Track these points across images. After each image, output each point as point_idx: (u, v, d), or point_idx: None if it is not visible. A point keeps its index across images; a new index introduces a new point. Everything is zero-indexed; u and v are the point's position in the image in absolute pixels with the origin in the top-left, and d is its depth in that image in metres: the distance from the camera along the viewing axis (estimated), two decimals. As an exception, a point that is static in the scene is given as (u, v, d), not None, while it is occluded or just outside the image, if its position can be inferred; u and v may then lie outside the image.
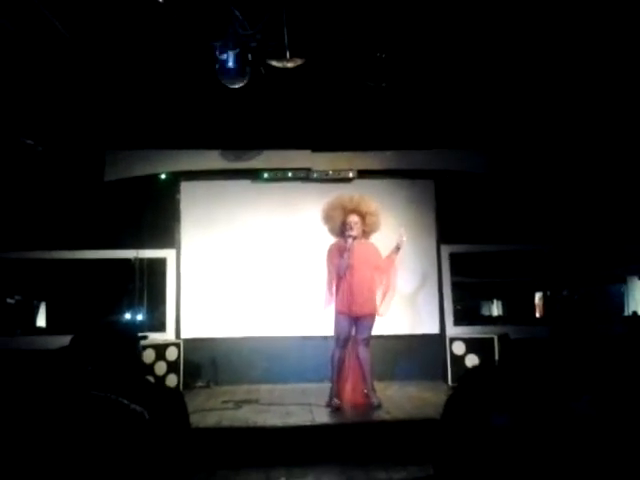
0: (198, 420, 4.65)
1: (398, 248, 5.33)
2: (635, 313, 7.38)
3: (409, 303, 6.67)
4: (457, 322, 6.89)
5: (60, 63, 5.10)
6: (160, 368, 5.96)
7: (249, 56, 4.72)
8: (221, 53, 4.66)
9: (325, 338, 5.75)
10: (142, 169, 6.68)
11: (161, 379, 5.89)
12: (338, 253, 5.28)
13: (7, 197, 6.38)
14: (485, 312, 9.28)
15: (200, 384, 6.42)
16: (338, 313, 5.27)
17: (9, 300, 7.30)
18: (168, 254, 6.80)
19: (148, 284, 6.68)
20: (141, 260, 6.60)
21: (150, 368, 5.79)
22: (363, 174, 6.80)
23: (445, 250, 6.94)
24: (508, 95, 5.83)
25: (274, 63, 4.86)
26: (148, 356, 5.80)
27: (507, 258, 7.14)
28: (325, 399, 5.32)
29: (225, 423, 4.74)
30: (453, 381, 6.31)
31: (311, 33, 4.71)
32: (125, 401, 1.34)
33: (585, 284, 7.33)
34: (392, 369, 6.56)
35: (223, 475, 4.08)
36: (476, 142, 6.71)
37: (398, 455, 4.25)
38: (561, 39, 4.86)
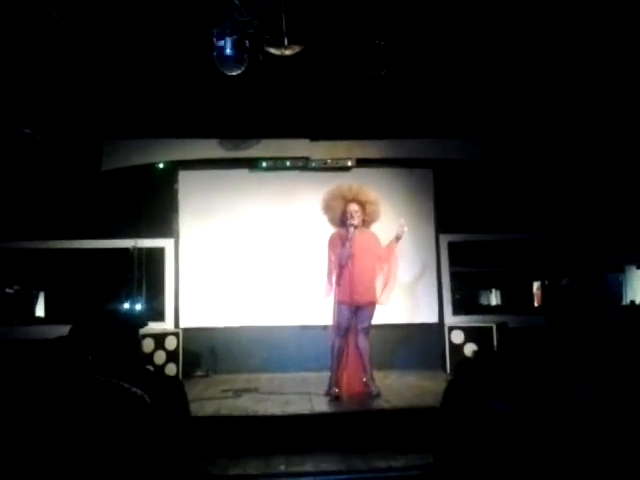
0: (197, 409, 4.66)
1: (398, 238, 5.33)
2: (633, 302, 7.40)
3: (408, 292, 6.68)
4: (456, 311, 6.92)
5: (57, 52, 5.06)
6: (159, 357, 5.97)
7: (247, 43, 4.68)
8: (218, 40, 4.62)
9: (324, 327, 5.76)
10: (140, 158, 6.66)
11: (160, 368, 5.90)
12: (339, 242, 5.28)
13: (5, 187, 6.36)
14: (484, 301, 9.30)
15: (199, 373, 6.44)
16: (339, 302, 5.27)
17: (8, 290, 7.30)
18: (166, 243, 6.79)
19: (146, 274, 6.68)
20: (139, 250, 6.59)
21: (149, 357, 5.81)
22: (361, 163, 6.79)
23: (444, 239, 6.95)
24: (506, 83, 5.80)
25: (272, 50, 4.82)
26: (147, 345, 5.81)
27: (505, 247, 7.15)
28: (324, 388, 5.33)
29: (224, 412, 4.75)
30: (452, 370, 6.33)
31: (309, 20, 4.67)
32: (126, 385, 1.34)
33: (583, 273, 7.33)
34: (391, 358, 6.58)
35: (222, 463, 4.10)
36: (474, 131, 6.70)
37: (397, 443, 4.27)
38: (559, 28, 4.83)
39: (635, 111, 5.82)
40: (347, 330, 5.32)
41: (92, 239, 6.61)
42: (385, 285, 5.40)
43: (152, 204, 6.66)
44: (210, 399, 5.19)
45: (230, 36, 4.58)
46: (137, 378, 1.67)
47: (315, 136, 6.71)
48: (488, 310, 8.25)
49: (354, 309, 5.27)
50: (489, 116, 6.44)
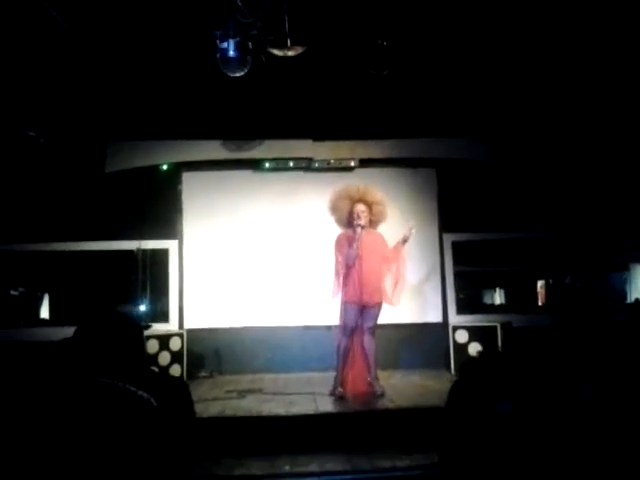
0: (202, 410, 4.68)
1: (405, 240, 5.34)
2: (637, 300, 7.37)
3: (412, 292, 6.66)
4: (460, 311, 6.91)
5: (61, 55, 5.07)
6: (164, 358, 5.98)
7: (250, 45, 4.69)
8: (222, 42, 4.63)
9: (328, 327, 5.76)
10: (143, 160, 6.67)
11: (165, 369, 5.92)
12: (346, 243, 5.29)
13: (10, 189, 6.39)
14: (487, 300, 9.27)
15: (204, 374, 6.45)
16: (346, 302, 5.28)
17: (12, 292, 7.31)
18: (170, 245, 6.81)
19: (151, 275, 6.69)
20: (144, 251, 6.60)
21: (154, 358, 5.82)
22: (365, 163, 6.79)
23: (447, 239, 6.95)
24: (510, 83, 5.79)
25: (275, 51, 4.83)
26: (152, 346, 5.83)
27: (509, 246, 7.13)
28: (328, 388, 5.34)
29: (229, 412, 4.76)
30: (456, 369, 6.32)
31: (312, 21, 4.67)
32: (132, 388, 1.34)
33: (587, 272, 7.31)
34: (395, 358, 6.58)
35: (227, 464, 4.11)
36: (478, 130, 6.69)
37: (402, 443, 4.27)
38: (563, 27, 4.82)
39: (637, 111, 5.80)
40: (354, 330, 5.33)
41: (96, 241, 6.63)
42: (395, 286, 5.42)
43: (156, 205, 6.67)
44: (215, 400, 5.20)
45: (233, 38, 4.58)
46: (142, 380, 1.68)
47: (318, 136, 6.72)
48: (492, 309, 8.22)
49: (361, 309, 5.27)
50: (492, 115, 6.43)
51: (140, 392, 1.34)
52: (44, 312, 7.69)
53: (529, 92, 5.92)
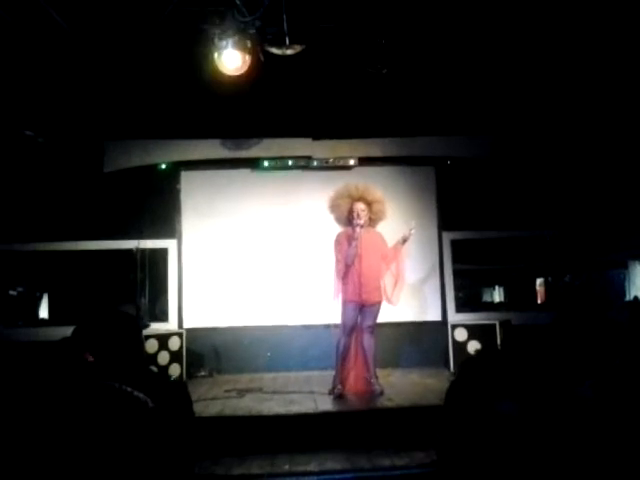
0: (202, 409, 4.67)
1: (405, 240, 5.34)
2: (636, 298, 7.38)
3: (411, 290, 6.66)
4: (459, 309, 6.91)
5: (59, 54, 5.06)
6: (163, 358, 5.98)
7: (248, 43, 4.68)
8: (220, 40, 4.62)
9: (327, 326, 5.76)
10: (142, 159, 6.67)
11: (164, 369, 5.91)
12: (346, 242, 5.28)
13: (8, 189, 6.38)
14: (487, 298, 9.28)
15: (203, 373, 6.45)
16: (346, 301, 5.28)
17: (11, 292, 7.31)
18: (169, 244, 6.80)
19: (150, 274, 6.69)
20: (142, 250, 6.59)
21: (153, 358, 5.82)
22: (364, 161, 6.78)
23: (446, 237, 6.95)
24: (508, 81, 5.79)
25: (273, 50, 4.82)
26: (151, 346, 5.82)
27: (508, 244, 7.14)
28: (328, 387, 5.34)
29: (228, 412, 4.76)
30: (455, 367, 6.33)
31: (310, 20, 4.67)
32: (129, 389, 1.34)
33: (586, 270, 7.32)
34: (395, 356, 6.58)
35: (227, 463, 4.11)
36: (477, 128, 6.69)
37: (401, 441, 4.28)
38: (564, 25, 4.82)
39: (637, 109, 5.80)
40: (353, 329, 5.34)
41: (95, 240, 6.63)
42: (395, 285, 5.42)
43: (154, 205, 6.67)
44: (214, 399, 5.20)
45: (232, 36, 4.58)
46: (140, 380, 1.68)
47: (317, 135, 6.71)
48: (491, 307, 8.24)
49: (360, 308, 5.28)
50: (491, 114, 6.43)
51: (136, 393, 1.33)
52: (43, 312, 7.69)
53: (527, 90, 5.91)
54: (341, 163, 6.74)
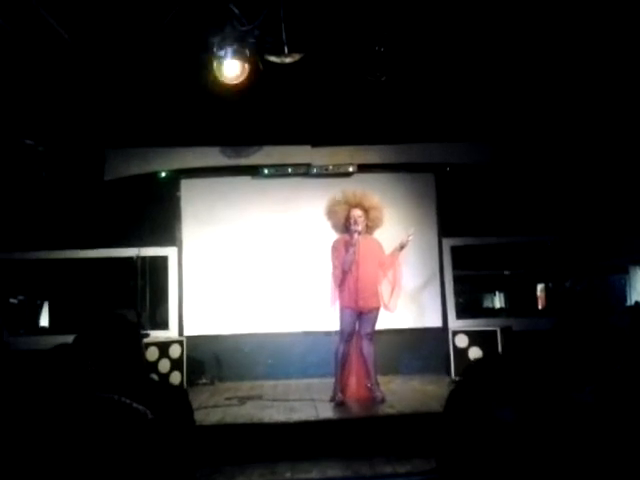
0: (202, 417, 4.66)
1: (402, 246, 5.33)
2: (637, 303, 7.37)
3: (411, 297, 6.67)
4: (460, 315, 6.90)
5: (58, 63, 5.08)
6: (164, 366, 5.97)
7: (247, 52, 4.71)
8: (219, 49, 4.65)
9: (328, 333, 5.75)
10: (142, 167, 6.68)
11: (165, 377, 5.91)
12: (343, 248, 5.28)
13: (9, 198, 6.39)
14: (487, 305, 9.27)
15: (204, 381, 6.44)
16: (344, 308, 5.27)
17: (12, 300, 7.31)
18: (170, 252, 6.81)
19: (150, 282, 6.69)
20: (143, 258, 6.60)
21: (154, 366, 5.81)
22: (363, 168, 6.79)
23: (446, 243, 6.95)
24: (507, 87, 5.81)
25: (272, 58, 4.84)
26: (152, 354, 5.82)
27: (509, 250, 7.14)
28: (329, 394, 5.33)
29: (229, 420, 4.75)
30: (456, 374, 6.31)
31: (309, 28, 4.69)
32: (127, 401, 1.33)
33: (587, 275, 7.32)
34: (395, 363, 6.57)
35: (228, 471, 4.10)
36: (476, 135, 6.70)
37: (403, 449, 4.26)
38: (562, 31, 4.84)
39: (637, 115, 5.81)
40: (351, 335, 5.32)
41: (95, 249, 6.63)
42: (392, 292, 5.41)
43: (155, 213, 6.68)
44: (215, 407, 5.19)
45: (231, 45, 4.60)
46: (140, 389, 1.68)
47: (316, 142, 6.73)
48: (492, 313, 8.23)
49: (358, 315, 5.27)
50: (490, 120, 6.45)
51: (136, 405, 1.33)
52: (44, 320, 7.69)
53: (526, 95, 5.93)
54: (341, 170, 6.76)
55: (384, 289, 5.42)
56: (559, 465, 0.86)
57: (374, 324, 5.33)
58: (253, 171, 6.83)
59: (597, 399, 1.77)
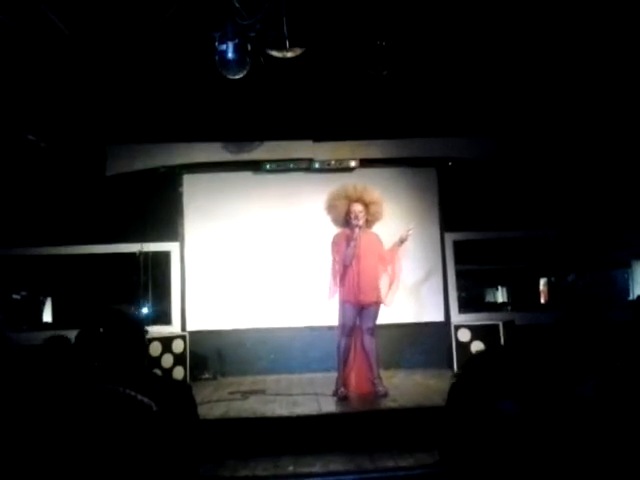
0: (206, 411, 4.68)
1: (402, 241, 5.33)
2: (640, 297, 7.36)
3: (414, 291, 6.68)
4: (462, 309, 6.91)
5: (61, 59, 5.08)
6: (167, 361, 5.99)
7: (248, 46, 4.70)
8: (220, 44, 4.64)
9: (330, 328, 5.76)
10: (144, 163, 6.68)
11: (168, 372, 5.92)
12: (343, 242, 5.28)
13: (12, 194, 6.40)
14: (490, 299, 9.27)
15: (207, 376, 6.46)
16: (344, 302, 5.28)
17: (15, 296, 7.33)
18: (172, 247, 6.82)
19: (153, 277, 6.70)
20: (145, 254, 6.61)
21: (157, 361, 5.83)
22: (365, 163, 6.79)
23: (449, 238, 6.95)
24: (509, 81, 5.79)
25: (274, 53, 4.83)
26: (155, 349, 5.83)
27: (511, 244, 7.13)
28: (331, 389, 5.34)
29: (232, 414, 4.77)
30: (459, 368, 6.31)
31: (311, 22, 4.68)
32: (132, 393, 1.34)
33: (590, 269, 7.31)
34: (398, 357, 6.58)
35: (231, 465, 4.11)
36: (478, 129, 6.69)
37: (405, 442, 4.28)
38: (565, 25, 4.82)
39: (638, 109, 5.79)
40: (352, 330, 5.33)
41: (98, 244, 6.64)
42: (390, 286, 5.41)
43: (157, 208, 6.68)
44: (218, 401, 5.21)
45: (232, 40, 4.59)
46: (144, 383, 1.68)
47: (318, 137, 6.72)
48: (494, 308, 8.23)
49: (359, 309, 5.27)
50: (493, 115, 6.43)
51: (140, 397, 1.34)
52: (47, 316, 7.70)
53: (527, 89, 5.91)
54: (343, 165, 6.75)
55: (382, 284, 5.41)
56: (561, 458, 0.86)
57: (375, 318, 5.34)
58: (255, 166, 6.83)
59: (599, 393, 1.77)
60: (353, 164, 6.75)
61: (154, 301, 6.76)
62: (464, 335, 6.30)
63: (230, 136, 6.67)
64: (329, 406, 4.98)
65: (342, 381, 5.31)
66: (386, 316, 5.53)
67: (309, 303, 6.47)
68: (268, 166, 6.79)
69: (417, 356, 6.64)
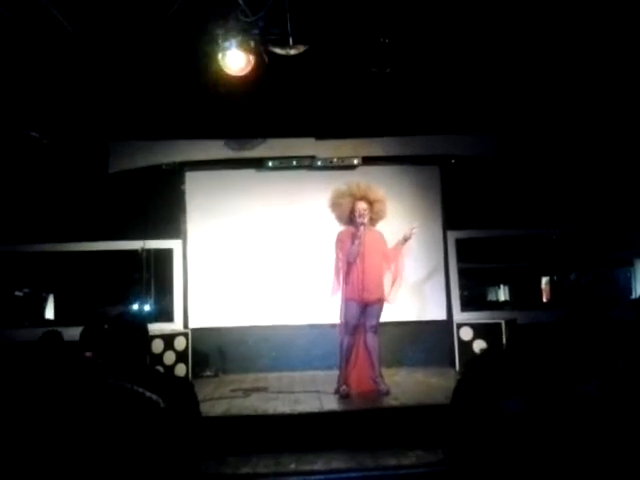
0: (208, 409, 4.69)
1: (406, 239, 5.34)
2: (643, 296, 7.35)
3: (416, 290, 6.67)
4: (464, 308, 6.90)
5: (63, 56, 5.08)
6: (169, 358, 6.00)
7: (252, 44, 4.69)
8: (224, 41, 4.63)
9: (332, 326, 5.76)
10: (146, 160, 6.68)
11: (170, 369, 5.93)
12: (348, 240, 5.28)
13: (14, 190, 6.41)
14: (492, 297, 9.26)
15: (208, 373, 6.47)
16: (347, 300, 5.28)
17: (17, 293, 7.34)
18: (174, 244, 6.82)
19: (155, 275, 6.71)
20: (148, 251, 6.62)
21: (159, 358, 5.84)
22: (368, 161, 6.78)
23: (451, 236, 6.94)
24: (512, 79, 5.78)
25: (277, 50, 4.83)
26: (157, 346, 5.84)
27: (513, 243, 7.12)
28: (333, 386, 5.34)
29: (234, 411, 4.77)
30: (461, 367, 6.32)
31: (314, 19, 4.67)
32: (140, 389, 1.35)
33: (592, 268, 7.30)
34: (400, 355, 6.58)
35: (233, 462, 4.12)
36: (481, 127, 6.67)
37: (407, 441, 4.28)
38: (568, 24, 4.80)
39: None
40: (356, 328, 5.33)
41: (100, 241, 6.65)
42: (393, 284, 5.42)
43: (159, 205, 6.69)
44: (220, 399, 5.21)
45: (235, 37, 4.59)
46: (148, 380, 1.69)
47: (321, 135, 6.71)
48: (497, 306, 8.22)
49: (363, 307, 5.28)
50: (496, 112, 6.42)
51: (148, 394, 1.34)
52: (49, 312, 7.72)
53: (531, 88, 5.90)
54: (345, 163, 6.74)
55: (386, 281, 5.42)
56: (565, 456, 0.86)
57: (379, 316, 5.35)
58: (257, 164, 6.83)
59: (602, 392, 1.77)
60: (356, 162, 6.74)
61: (156, 298, 6.77)
62: (466, 333, 6.30)
63: (233, 133, 6.67)
64: (331, 404, 4.98)
65: (344, 379, 5.31)
66: (388, 314, 5.53)
67: (311, 301, 6.47)
68: (270, 163, 6.78)
69: (419, 354, 6.64)
